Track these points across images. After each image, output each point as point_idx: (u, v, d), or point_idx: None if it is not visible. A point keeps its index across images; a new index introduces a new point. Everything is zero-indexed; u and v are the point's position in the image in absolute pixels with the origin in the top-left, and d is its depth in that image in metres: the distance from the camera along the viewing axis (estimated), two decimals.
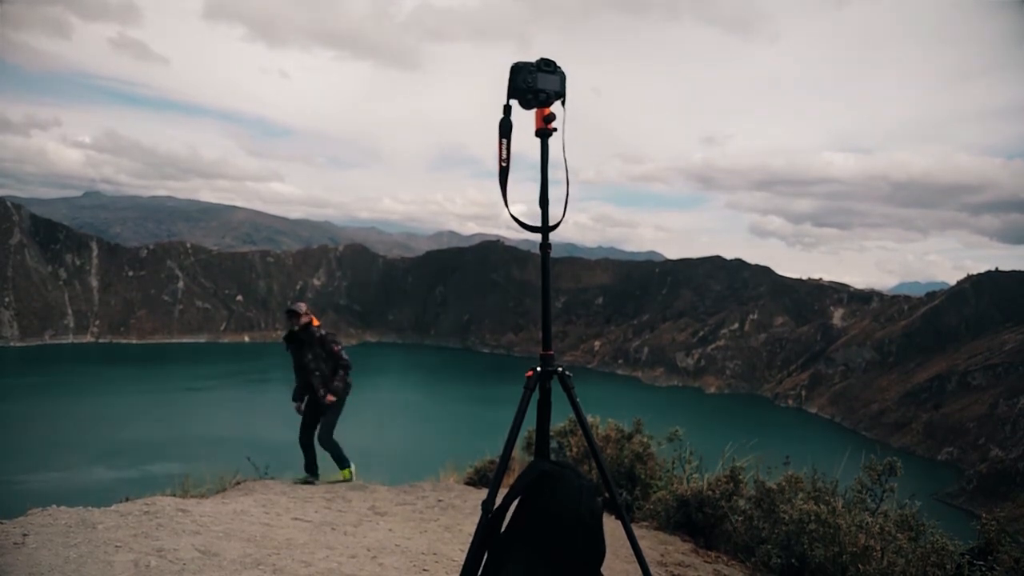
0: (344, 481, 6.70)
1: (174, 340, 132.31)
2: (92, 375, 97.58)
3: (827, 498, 4.22)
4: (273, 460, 7.01)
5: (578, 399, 2.47)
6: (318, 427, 6.77)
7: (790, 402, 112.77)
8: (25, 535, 3.32)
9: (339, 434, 6.90)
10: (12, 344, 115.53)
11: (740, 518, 4.70)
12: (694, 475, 5.66)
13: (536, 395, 2.41)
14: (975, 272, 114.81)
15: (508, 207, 2.39)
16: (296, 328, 6.84)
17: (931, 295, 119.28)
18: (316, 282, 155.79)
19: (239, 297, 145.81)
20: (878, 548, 3.71)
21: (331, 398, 6.68)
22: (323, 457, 6.86)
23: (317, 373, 6.77)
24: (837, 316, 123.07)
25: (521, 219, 2.40)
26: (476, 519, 2.31)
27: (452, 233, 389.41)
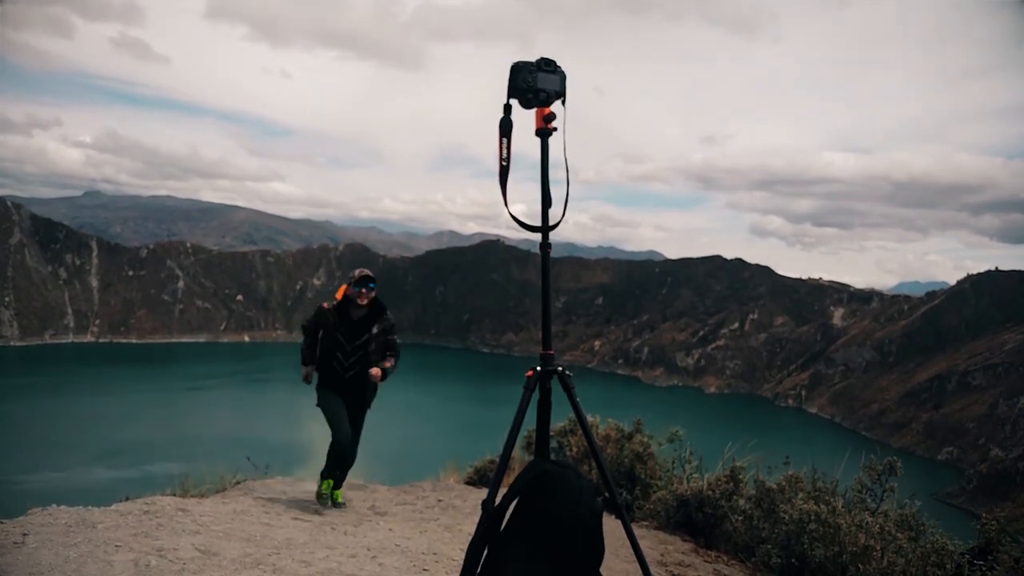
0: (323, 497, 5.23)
1: (174, 340, 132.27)
2: (92, 375, 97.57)
3: (827, 498, 4.23)
4: (273, 460, 7.00)
5: (578, 399, 2.47)
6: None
7: (790, 402, 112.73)
8: (25, 535, 3.32)
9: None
10: (12, 344, 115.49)
11: (740, 518, 4.70)
12: (694, 475, 5.66)
13: (536, 395, 2.41)
14: (975, 272, 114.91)
15: (508, 207, 2.39)
16: (363, 303, 5.12)
17: (931, 295, 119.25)
18: (316, 282, 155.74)
19: (239, 297, 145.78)
20: (878, 548, 3.71)
21: (377, 373, 5.19)
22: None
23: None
24: (837, 316, 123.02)
25: (521, 219, 2.40)
26: (476, 519, 2.31)
27: (452, 233, 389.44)
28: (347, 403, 5.24)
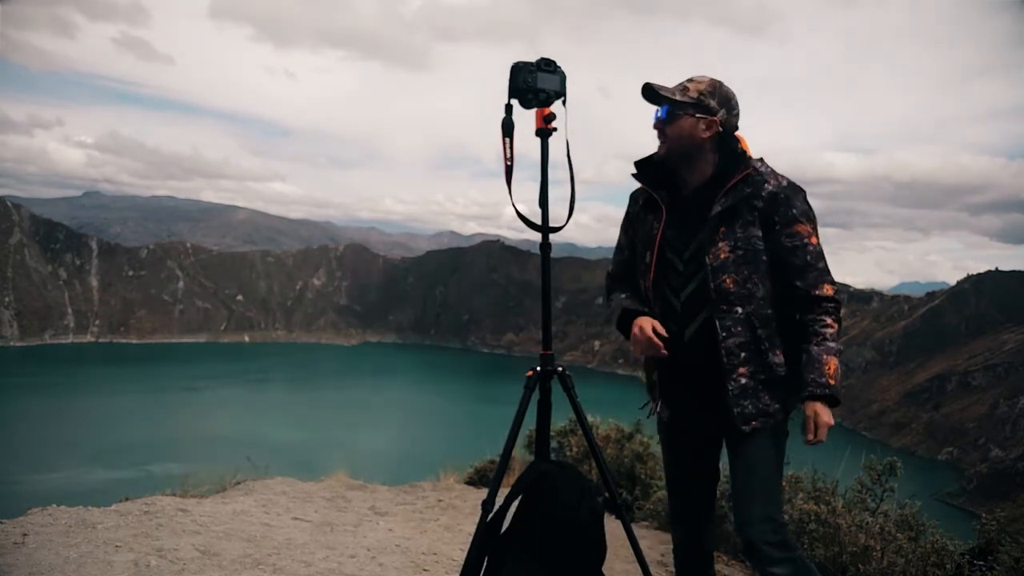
0: None
1: (174, 340, 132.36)
2: (92, 375, 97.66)
3: (827, 498, 4.22)
4: (273, 460, 6.99)
5: (578, 399, 2.47)
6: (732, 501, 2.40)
7: None
8: (25, 535, 3.32)
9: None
10: (12, 344, 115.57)
11: None
12: None
13: (536, 395, 2.41)
14: (975, 272, 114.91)
15: (515, 205, 2.38)
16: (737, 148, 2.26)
17: (931, 295, 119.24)
18: (316, 282, 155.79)
19: (239, 297, 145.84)
20: (878, 548, 3.71)
21: (823, 428, 2.15)
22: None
23: (757, 321, 2.14)
24: None
25: (528, 218, 2.40)
26: (476, 519, 2.31)
27: (453, 233, 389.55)
28: (709, 432, 2.32)
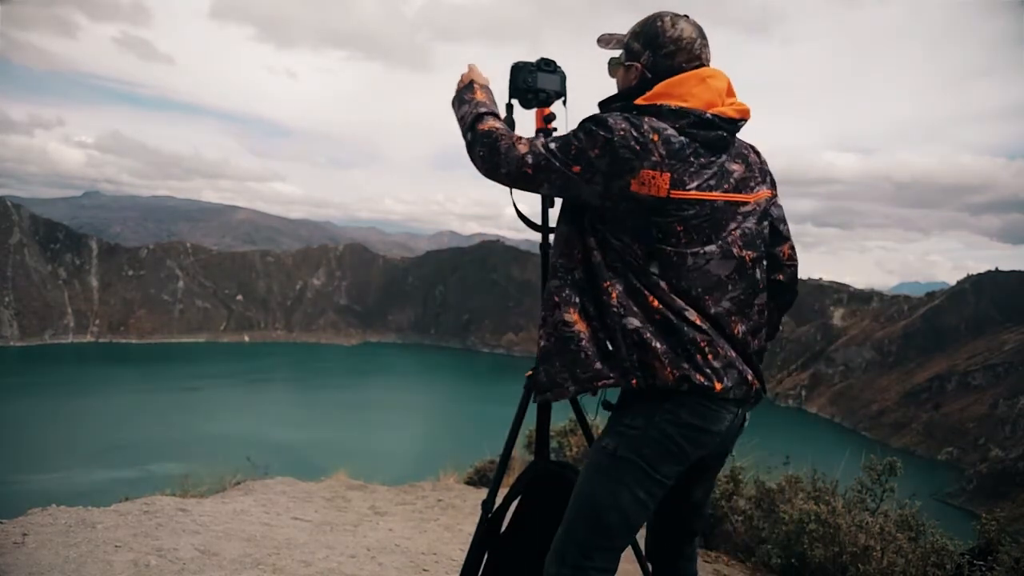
0: None
1: (174, 340, 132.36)
2: (92, 375, 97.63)
3: (827, 498, 4.23)
4: (273, 460, 6.99)
5: (579, 398, 2.47)
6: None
7: (790, 402, 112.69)
8: (25, 535, 3.33)
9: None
10: (12, 344, 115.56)
11: (740, 518, 4.70)
12: None
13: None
14: (975, 272, 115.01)
15: (516, 205, 2.38)
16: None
17: (931, 295, 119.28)
18: (316, 282, 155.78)
19: (239, 297, 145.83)
20: (878, 548, 3.71)
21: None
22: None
23: (560, 271, 1.88)
24: (837, 316, 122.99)
25: (528, 217, 2.40)
26: (476, 519, 2.31)
27: (453, 233, 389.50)
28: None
